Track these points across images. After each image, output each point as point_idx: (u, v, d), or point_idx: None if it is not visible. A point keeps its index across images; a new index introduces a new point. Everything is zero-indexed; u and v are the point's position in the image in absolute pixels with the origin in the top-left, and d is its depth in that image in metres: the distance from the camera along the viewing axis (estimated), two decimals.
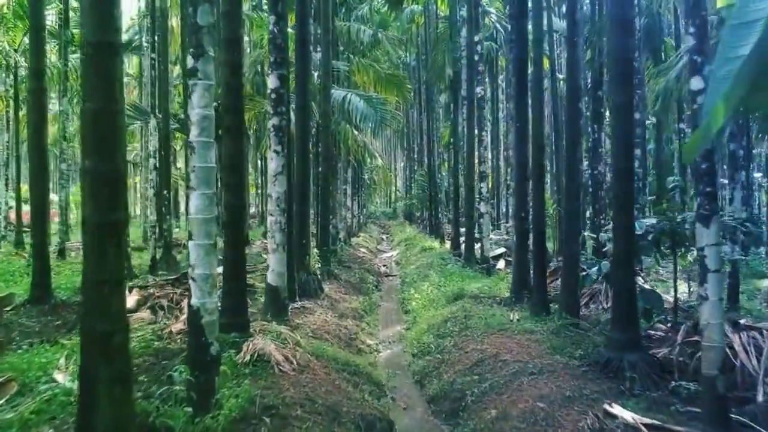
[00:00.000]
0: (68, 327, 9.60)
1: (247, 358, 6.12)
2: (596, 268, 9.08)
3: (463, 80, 18.47)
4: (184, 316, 10.03)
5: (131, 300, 10.30)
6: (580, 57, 10.33)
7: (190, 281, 4.97)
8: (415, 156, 40.16)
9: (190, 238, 4.99)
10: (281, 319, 8.28)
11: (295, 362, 6.48)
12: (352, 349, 8.93)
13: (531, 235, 10.38)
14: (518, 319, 9.45)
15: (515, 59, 11.16)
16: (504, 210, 27.63)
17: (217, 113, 5.26)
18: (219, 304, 5.65)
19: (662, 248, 8.56)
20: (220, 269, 6.50)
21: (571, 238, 8.59)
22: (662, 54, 16.63)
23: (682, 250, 8.70)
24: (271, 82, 8.42)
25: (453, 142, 21.27)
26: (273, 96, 8.41)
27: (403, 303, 14.12)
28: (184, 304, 10.29)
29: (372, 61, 21.26)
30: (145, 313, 9.73)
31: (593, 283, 9.48)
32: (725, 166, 15.23)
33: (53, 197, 21.19)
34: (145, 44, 18.64)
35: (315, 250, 14.16)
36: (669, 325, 8.34)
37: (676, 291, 8.76)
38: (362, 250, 25.04)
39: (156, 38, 15.67)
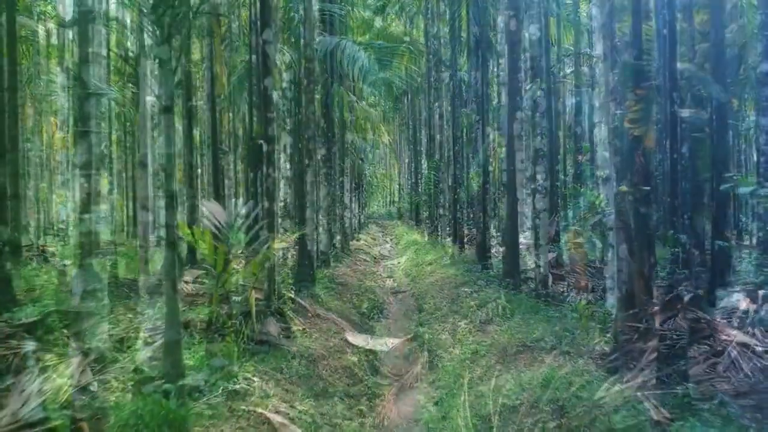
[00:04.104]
0: None
1: None
2: None
3: (499, 31, 13.66)
4: (12, 408, 5.32)
5: None
6: None
7: None
8: (423, 149, 35.22)
9: None
10: None
11: None
12: None
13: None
14: (671, 419, 4.68)
15: None
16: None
17: None
18: None
19: None
20: None
21: None
22: None
23: None
24: None
25: (479, 118, 16.46)
26: None
27: (424, 346, 9.25)
28: (23, 379, 5.52)
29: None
30: None
31: None
32: None
33: None
34: None
35: (287, 269, 9.42)
36: None
37: None
38: (362, 257, 20.30)
39: None
